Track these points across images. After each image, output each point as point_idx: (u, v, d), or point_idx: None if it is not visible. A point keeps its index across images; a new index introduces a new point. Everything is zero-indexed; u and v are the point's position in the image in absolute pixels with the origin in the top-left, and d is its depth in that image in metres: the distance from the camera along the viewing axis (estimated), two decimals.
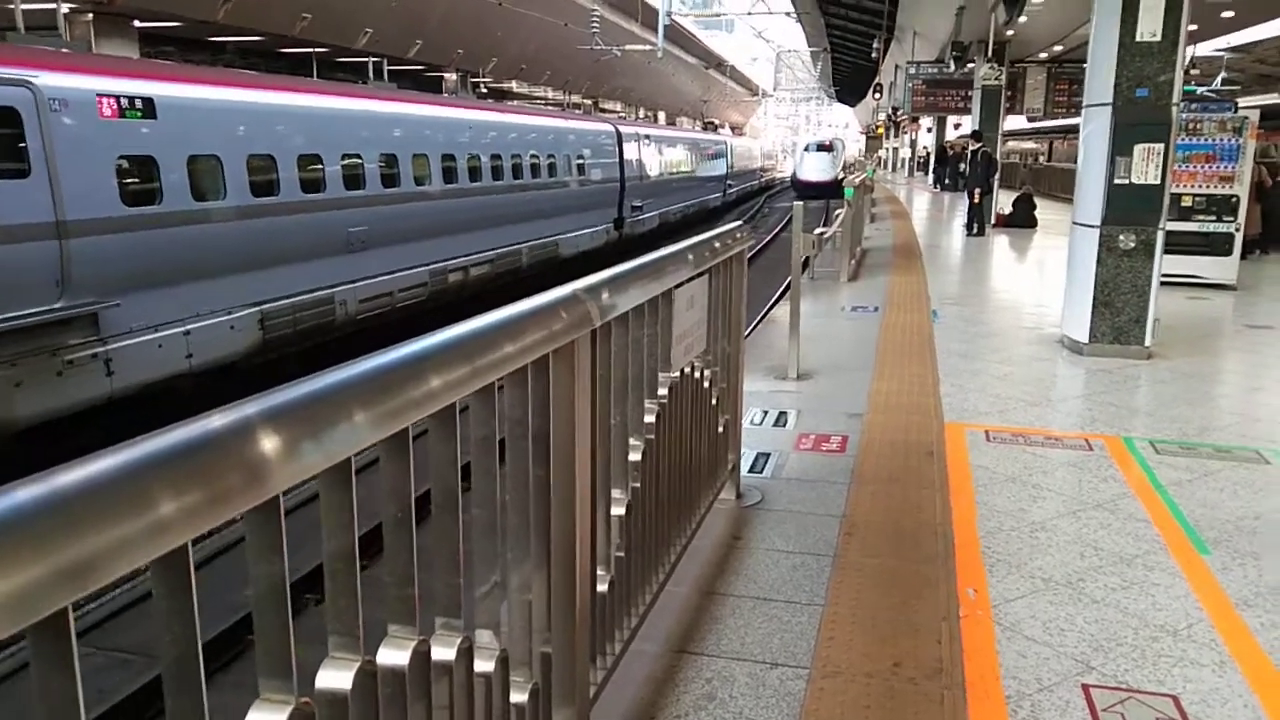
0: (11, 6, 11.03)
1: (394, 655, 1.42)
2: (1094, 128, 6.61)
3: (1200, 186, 9.88)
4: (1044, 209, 18.16)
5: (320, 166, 10.87)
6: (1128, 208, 6.51)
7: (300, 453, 1.11)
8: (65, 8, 13.73)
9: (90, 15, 14.71)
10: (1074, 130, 27.83)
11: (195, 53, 20.16)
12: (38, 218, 7.46)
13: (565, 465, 2.01)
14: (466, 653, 1.61)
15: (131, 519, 0.84)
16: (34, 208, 7.43)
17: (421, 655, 1.46)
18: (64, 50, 9.08)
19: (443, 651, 1.55)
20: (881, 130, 48.15)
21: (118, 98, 8.32)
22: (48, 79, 7.66)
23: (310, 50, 21.39)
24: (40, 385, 7.55)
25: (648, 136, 24.52)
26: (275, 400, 1.12)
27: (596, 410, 2.20)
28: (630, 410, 2.54)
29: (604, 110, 40.30)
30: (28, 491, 0.77)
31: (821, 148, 38.93)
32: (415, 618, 1.46)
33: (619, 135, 21.92)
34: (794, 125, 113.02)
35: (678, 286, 2.83)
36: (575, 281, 2.12)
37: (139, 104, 8.55)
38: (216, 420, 1.02)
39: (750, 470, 4.33)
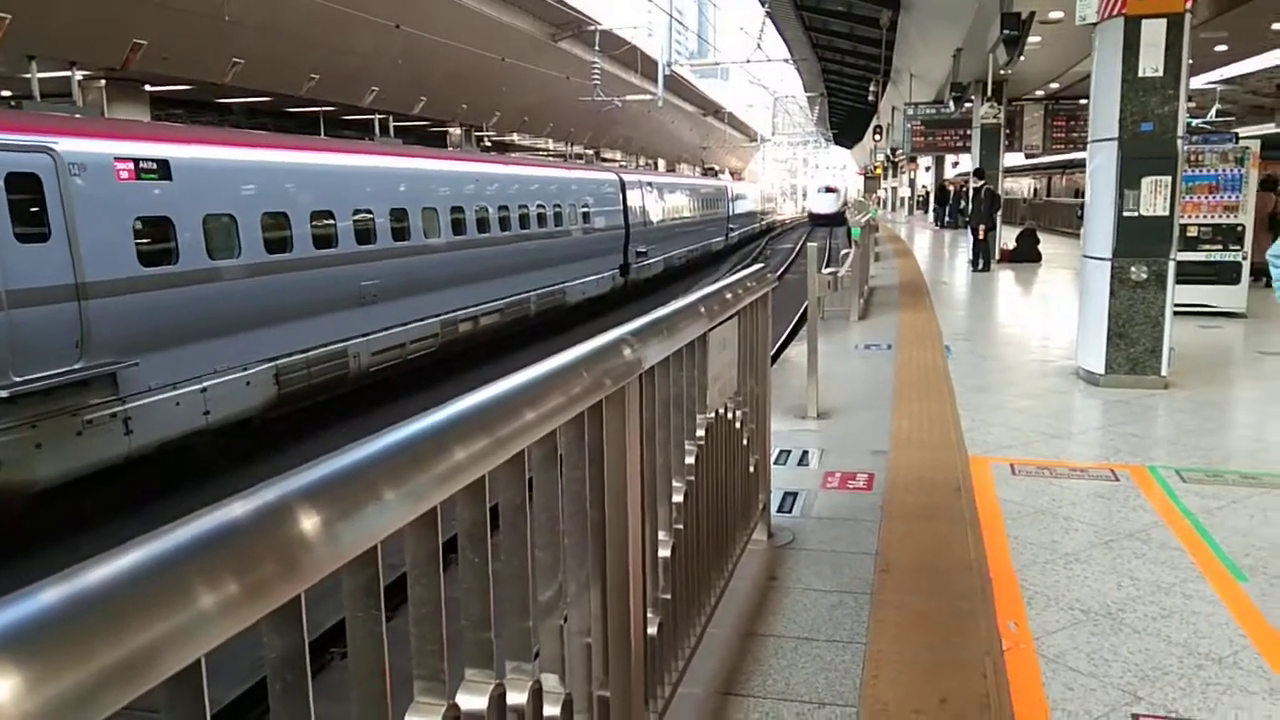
0: (27, 76, 11.26)
1: (474, 700, 1.44)
2: (1100, 161, 6.70)
3: (1205, 216, 9.97)
4: (1046, 243, 18.28)
5: (332, 222, 11.02)
6: (1138, 239, 6.57)
7: (378, 510, 1.12)
8: (79, 75, 14.01)
9: (102, 81, 14.99)
10: (1072, 165, 28.12)
11: (203, 114, 20.51)
12: (58, 280, 7.56)
13: (619, 508, 2.04)
14: (536, 695, 1.63)
15: (172, 615, 0.76)
16: (54, 270, 7.53)
17: (498, 699, 1.48)
18: (79, 116, 9.26)
19: (515, 695, 1.57)
20: (880, 171, 48.63)
21: (134, 161, 8.47)
22: (67, 144, 7.81)
23: (317, 109, 21.73)
24: (60, 446, 7.59)
25: (650, 184, 24.78)
26: (340, 465, 1.10)
27: (644, 453, 2.23)
28: (672, 452, 2.57)
29: (605, 159, 40.78)
30: (55, 592, 0.70)
31: (828, 190, 57.98)
32: (493, 661, 1.48)
33: (622, 183, 22.17)
34: (792, 168, 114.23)
35: (712, 329, 2.87)
36: (621, 327, 2.16)
37: (154, 166, 8.69)
38: (255, 503, 0.93)
39: (779, 510, 4.34)
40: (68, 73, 12.95)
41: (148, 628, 0.73)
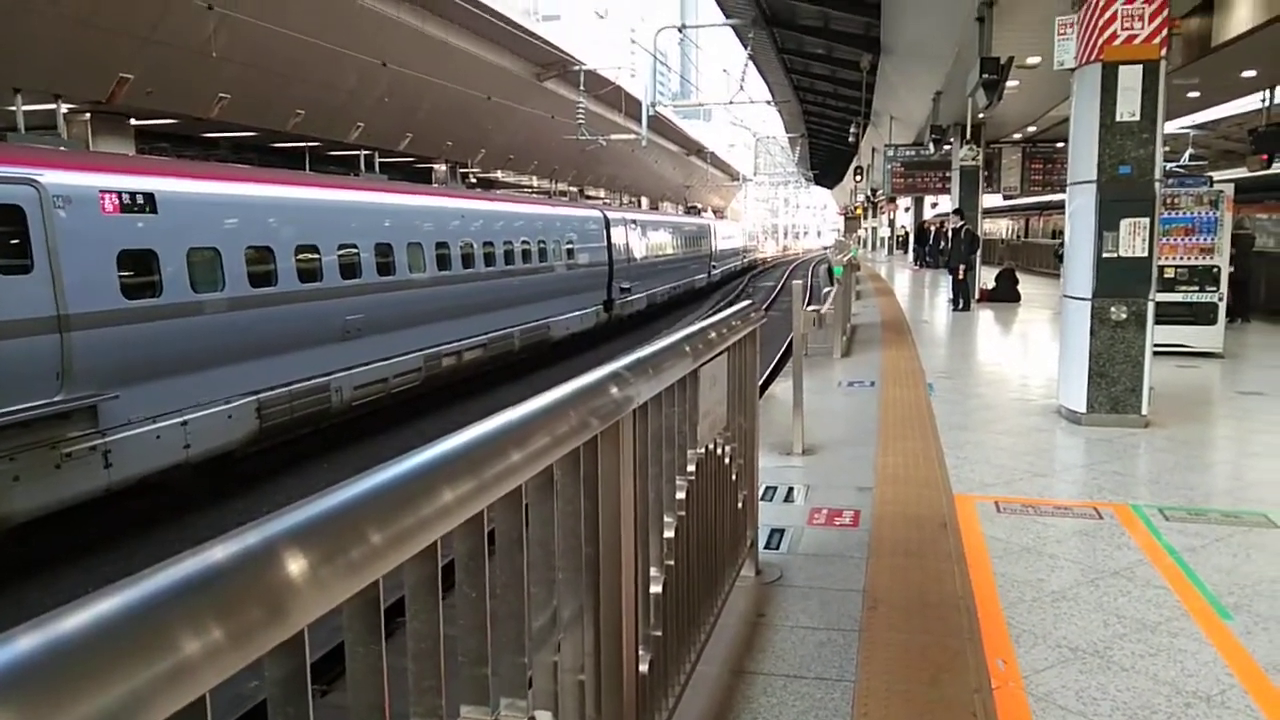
0: (13, 109, 11.25)
1: None
2: (1080, 203, 6.80)
3: (1181, 258, 10.12)
4: (1025, 283, 18.50)
5: (317, 257, 11.01)
6: (1117, 280, 6.66)
7: (395, 538, 1.12)
8: (64, 108, 14.01)
9: (88, 115, 14.99)
10: (1049, 206, 28.52)
11: (189, 148, 20.53)
12: (39, 312, 7.50)
13: (612, 544, 2.03)
14: None
15: (155, 663, 0.73)
16: (36, 302, 7.48)
17: None
18: (63, 149, 9.23)
19: None
20: (860, 211, 49.14)
21: (119, 194, 8.45)
22: (52, 177, 7.79)
23: (303, 144, 21.80)
24: (38, 479, 7.49)
25: (634, 221, 24.94)
26: (354, 495, 1.10)
27: (637, 488, 2.23)
28: (664, 487, 2.56)
29: (589, 197, 41.04)
30: (35, 638, 0.67)
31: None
32: (488, 697, 1.47)
33: (606, 220, 22.31)
34: (773, 208, 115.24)
35: (703, 364, 2.88)
36: (614, 363, 2.17)
37: (140, 199, 8.67)
38: (237, 546, 0.90)
39: (766, 546, 4.33)
40: (53, 105, 12.97)
41: (131, 676, 0.70)
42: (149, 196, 8.74)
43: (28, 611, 0.71)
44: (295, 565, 0.93)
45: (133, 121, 16.71)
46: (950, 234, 17.52)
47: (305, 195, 11.34)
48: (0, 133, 10.61)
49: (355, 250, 11.77)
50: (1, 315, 7.16)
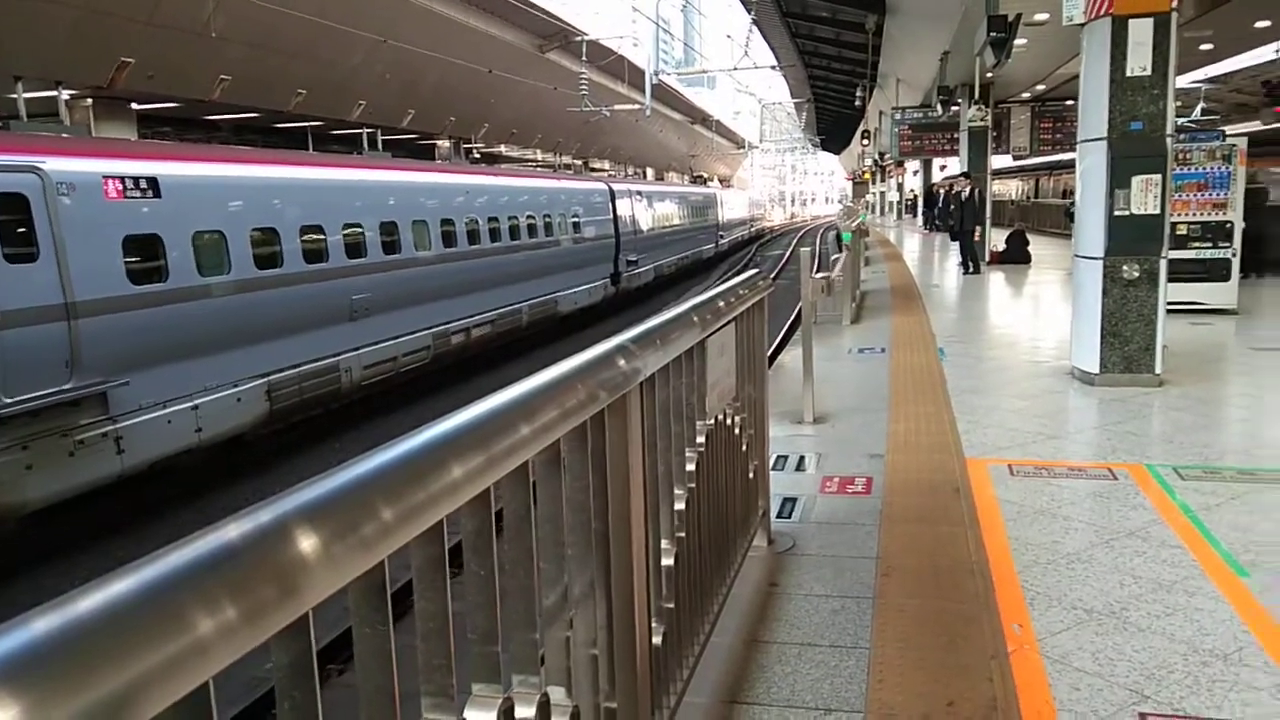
0: (14, 96, 11.22)
1: (482, 715, 1.42)
2: (1091, 161, 6.72)
3: (1194, 214, 10.01)
4: (1035, 244, 18.36)
5: (322, 237, 10.98)
6: (1129, 238, 6.59)
7: (376, 529, 1.09)
8: (65, 94, 13.97)
9: (89, 100, 14.94)
10: (1060, 166, 28.26)
11: (191, 131, 20.47)
12: (46, 300, 7.51)
13: (622, 517, 2.02)
14: (544, 708, 1.61)
15: (169, 642, 0.73)
16: (43, 290, 7.48)
17: (507, 713, 1.46)
18: (65, 135, 9.21)
19: (523, 709, 1.55)
20: (868, 175, 48.82)
21: (122, 179, 8.43)
22: (55, 164, 7.76)
23: (305, 124, 21.71)
24: (51, 467, 7.53)
25: (639, 193, 24.80)
26: (373, 464, 1.11)
27: (645, 461, 2.21)
28: (673, 460, 2.55)
29: (594, 169, 40.86)
30: (50, 620, 0.66)
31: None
32: (500, 674, 1.46)
33: (612, 193, 22.19)
34: (780, 175, 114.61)
35: (710, 335, 2.86)
36: (620, 335, 2.15)
37: (143, 184, 8.65)
38: (250, 524, 0.89)
39: (778, 515, 4.32)
40: (54, 92, 12.92)
41: (145, 656, 0.70)
42: (152, 181, 8.72)
43: (45, 596, 0.71)
44: (307, 542, 0.92)
45: (134, 106, 16.67)
46: (959, 197, 17.28)
47: (309, 175, 11.31)
48: (3, 121, 10.59)
49: (360, 229, 11.73)
50: (9, 304, 7.17)
